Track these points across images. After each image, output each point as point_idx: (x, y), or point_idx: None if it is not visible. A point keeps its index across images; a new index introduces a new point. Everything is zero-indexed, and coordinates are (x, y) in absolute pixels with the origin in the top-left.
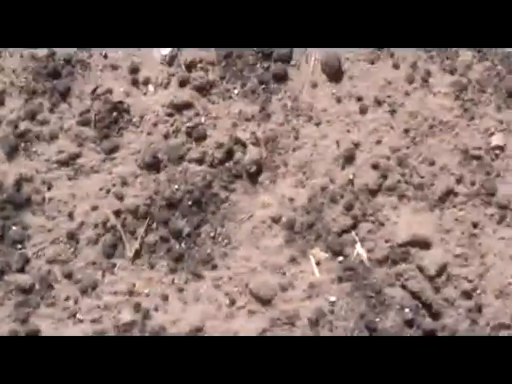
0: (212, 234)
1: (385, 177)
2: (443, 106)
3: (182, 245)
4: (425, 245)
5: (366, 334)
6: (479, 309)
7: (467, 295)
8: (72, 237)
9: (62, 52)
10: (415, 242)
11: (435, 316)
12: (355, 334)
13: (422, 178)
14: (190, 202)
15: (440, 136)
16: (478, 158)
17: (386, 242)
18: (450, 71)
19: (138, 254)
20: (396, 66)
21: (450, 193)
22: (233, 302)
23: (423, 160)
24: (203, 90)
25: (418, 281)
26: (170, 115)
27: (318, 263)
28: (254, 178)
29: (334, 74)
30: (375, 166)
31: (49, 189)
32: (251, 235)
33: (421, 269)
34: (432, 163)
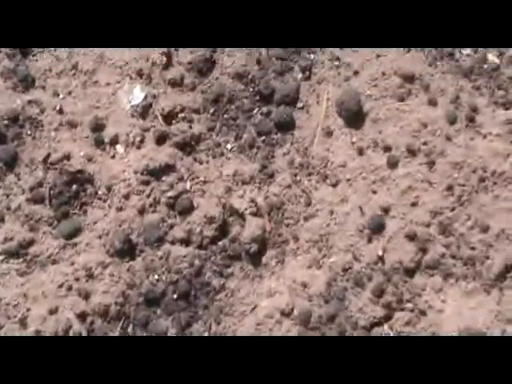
0: (205, 334)
1: (424, 250)
2: (496, 151)
3: None
4: None
5: None
6: None
7: None
8: None
9: (5, 108)
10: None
11: None
12: None
13: (473, 249)
14: (175, 296)
15: (494, 191)
16: None
17: None
18: (503, 105)
19: None
20: (433, 102)
21: (511, 268)
22: None
23: (474, 225)
24: (187, 146)
25: None
26: (146, 183)
27: None
28: (256, 258)
29: (353, 116)
30: (411, 237)
31: None
32: (255, 333)
33: None
34: (485, 229)
